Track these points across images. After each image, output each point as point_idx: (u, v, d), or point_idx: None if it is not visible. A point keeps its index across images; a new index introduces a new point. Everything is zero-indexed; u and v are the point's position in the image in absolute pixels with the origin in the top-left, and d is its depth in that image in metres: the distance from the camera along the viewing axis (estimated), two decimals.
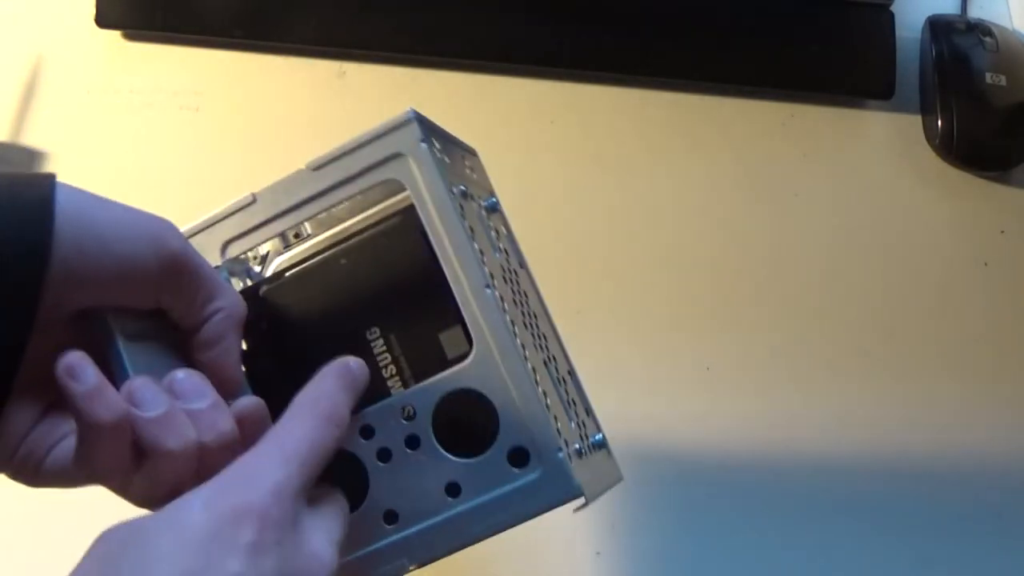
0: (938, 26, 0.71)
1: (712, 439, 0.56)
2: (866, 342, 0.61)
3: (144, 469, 0.33)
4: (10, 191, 0.30)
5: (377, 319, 0.40)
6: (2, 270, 0.29)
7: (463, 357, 0.39)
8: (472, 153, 0.46)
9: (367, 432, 0.39)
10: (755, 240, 0.64)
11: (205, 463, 0.33)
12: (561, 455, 0.37)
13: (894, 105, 0.69)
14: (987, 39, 0.70)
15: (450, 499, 0.38)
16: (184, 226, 0.41)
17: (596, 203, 0.65)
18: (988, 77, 0.68)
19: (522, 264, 0.46)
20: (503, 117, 0.66)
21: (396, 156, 0.39)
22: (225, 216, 0.42)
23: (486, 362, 0.38)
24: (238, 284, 0.43)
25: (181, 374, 0.35)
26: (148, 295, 0.35)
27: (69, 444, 0.34)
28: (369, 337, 0.40)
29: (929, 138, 0.68)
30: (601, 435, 0.44)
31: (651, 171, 0.66)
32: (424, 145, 0.39)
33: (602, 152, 0.66)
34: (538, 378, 0.39)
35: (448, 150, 0.42)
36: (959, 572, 0.54)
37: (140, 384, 0.33)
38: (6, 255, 0.29)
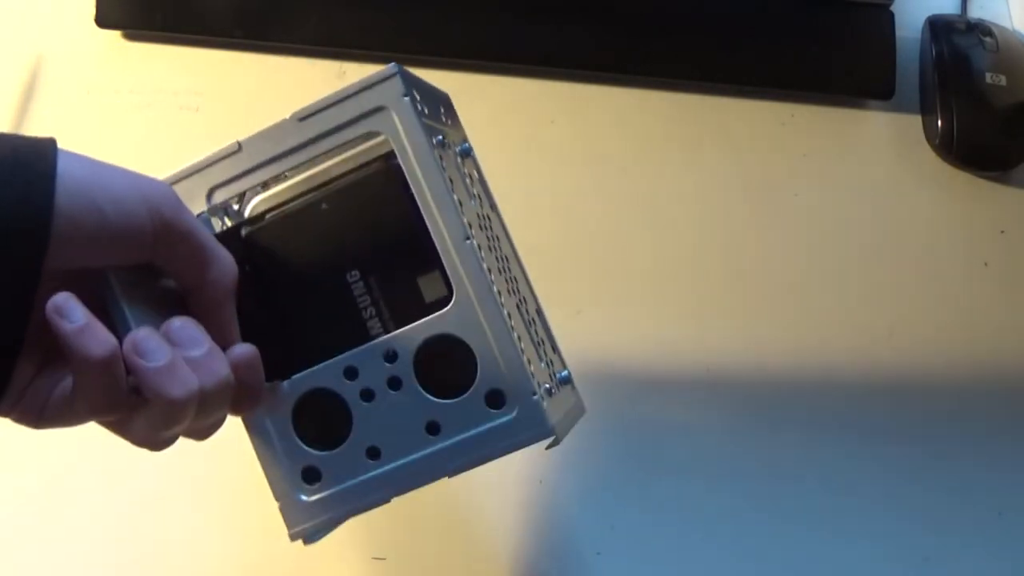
0: (938, 26, 0.71)
1: (712, 438, 0.56)
2: (866, 342, 0.61)
3: (146, 414, 0.34)
4: (14, 158, 0.31)
5: (357, 263, 0.42)
6: (4, 241, 0.30)
7: (441, 301, 0.40)
8: (447, 100, 0.47)
9: (351, 374, 0.41)
10: (755, 240, 0.64)
11: (203, 406, 0.35)
12: (535, 398, 0.40)
13: (894, 105, 0.69)
14: (987, 39, 0.70)
15: (430, 437, 0.41)
16: (170, 171, 0.42)
17: (596, 203, 0.65)
18: (988, 77, 0.68)
19: (493, 207, 0.47)
20: (503, 117, 0.66)
21: (379, 109, 0.40)
22: (211, 163, 0.43)
23: (465, 310, 0.40)
24: (217, 224, 0.44)
25: (178, 323, 0.36)
26: (143, 258, 0.35)
27: (67, 385, 0.35)
28: (349, 280, 0.42)
29: (929, 138, 0.68)
30: (567, 371, 0.46)
31: (651, 171, 0.66)
32: (407, 99, 0.40)
33: (602, 152, 0.66)
34: (512, 323, 0.41)
35: (427, 100, 0.43)
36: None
37: (143, 335, 0.34)
38: (9, 227, 0.30)
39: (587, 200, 0.65)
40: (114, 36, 0.69)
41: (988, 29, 0.70)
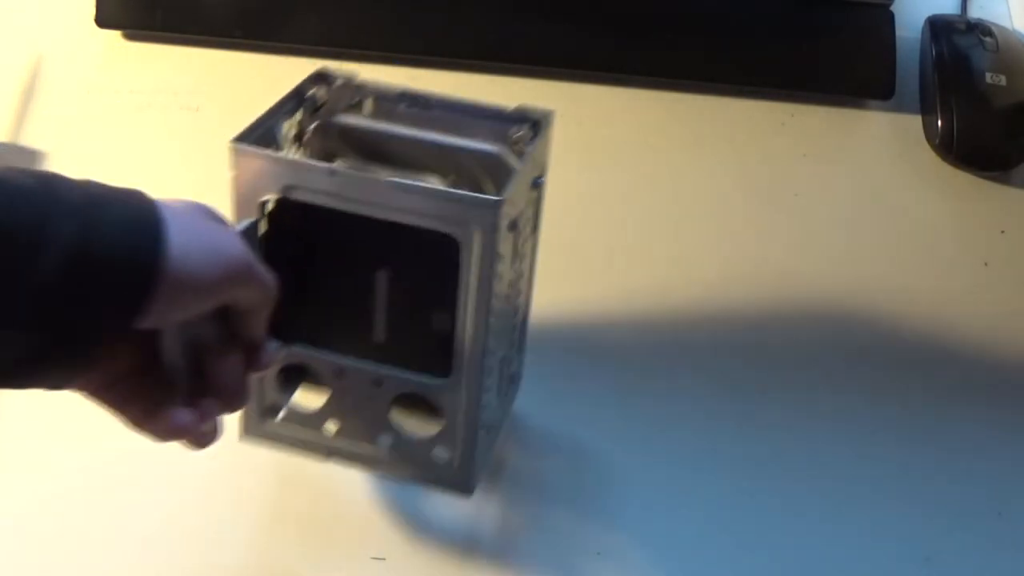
0: (938, 26, 0.71)
1: (711, 439, 0.56)
2: (866, 342, 0.61)
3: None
4: (132, 226, 0.34)
5: (393, 269, 0.44)
6: (120, 277, 0.33)
7: (442, 338, 0.44)
8: (546, 120, 0.47)
9: (339, 373, 0.46)
10: (755, 240, 0.64)
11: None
12: (470, 482, 0.48)
13: (894, 105, 0.69)
14: (987, 39, 0.70)
15: (377, 442, 0.47)
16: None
17: (596, 203, 0.65)
18: (988, 77, 0.68)
19: (536, 227, 0.49)
20: None
21: (461, 216, 0.41)
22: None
23: (454, 389, 0.45)
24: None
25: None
26: (215, 303, 0.38)
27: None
28: (374, 278, 0.44)
29: (929, 138, 0.68)
30: (517, 369, 0.52)
31: (651, 171, 0.66)
32: (495, 232, 0.41)
33: (602, 152, 0.66)
34: (482, 411, 0.46)
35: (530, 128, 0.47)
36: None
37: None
38: (123, 275, 0.33)
39: (586, 200, 0.65)
40: (114, 36, 0.69)
41: (988, 29, 0.71)
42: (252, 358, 0.41)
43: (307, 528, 0.51)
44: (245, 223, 0.43)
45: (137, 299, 0.33)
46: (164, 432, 0.39)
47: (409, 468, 0.48)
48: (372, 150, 0.48)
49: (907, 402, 0.59)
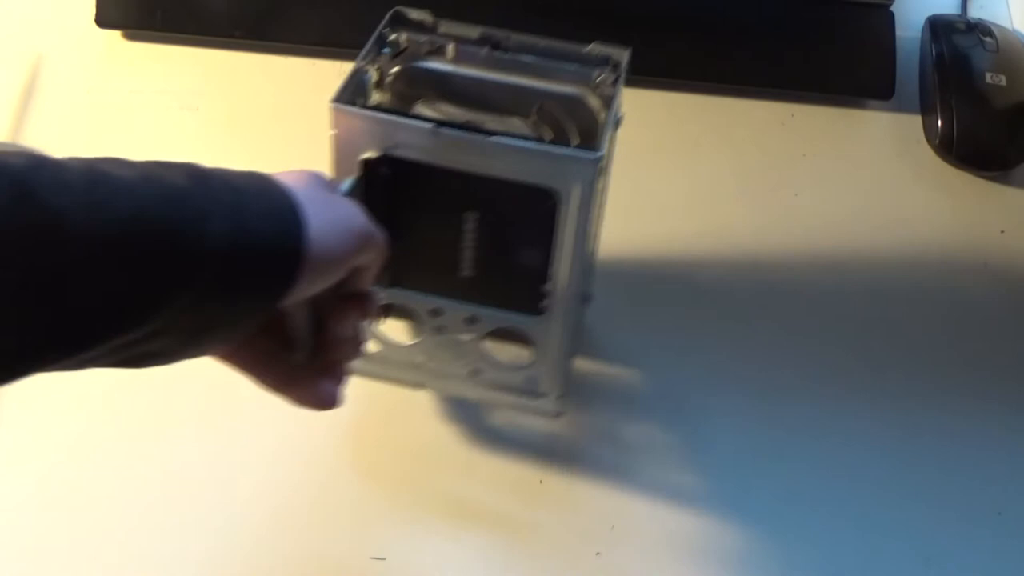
0: (938, 26, 0.71)
1: (710, 439, 0.56)
2: (865, 342, 0.61)
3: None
4: (273, 213, 0.36)
5: (480, 208, 0.45)
6: (267, 263, 0.36)
7: (533, 271, 0.46)
8: (624, 62, 0.49)
9: (436, 313, 0.49)
10: (754, 240, 0.64)
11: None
12: (556, 401, 0.51)
13: (894, 105, 0.69)
14: (987, 39, 0.70)
15: (472, 379, 0.51)
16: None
17: None
18: (988, 77, 0.68)
19: (607, 165, 0.49)
20: None
21: (562, 173, 0.43)
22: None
23: (547, 326, 0.48)
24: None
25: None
26: (346, 273, 0.40)
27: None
28: (463, 219, 0.45)
29: (929, 138, 0.68)
30: (589, 290, 0.53)
31: (651, 171, 0.66)
32: (591, 185, 0.43)
33: None
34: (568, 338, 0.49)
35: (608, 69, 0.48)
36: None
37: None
38: (269, 260, 0.36)
39: None
40: (114, 36, 0.69)
41: (988, 29, 0.71)
42: (364, 308, 0.43)
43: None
44: (349, 182, 0.44)
45: (285, 284, 0.36)
46: (311, 401, 0.42)
47: (499, 394, 0.52)
48: (453, 92, 0.48)
49: (906, 402, 0.59)
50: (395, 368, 0.52)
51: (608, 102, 0.47)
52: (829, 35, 0.69)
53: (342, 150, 0.45)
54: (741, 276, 0.62)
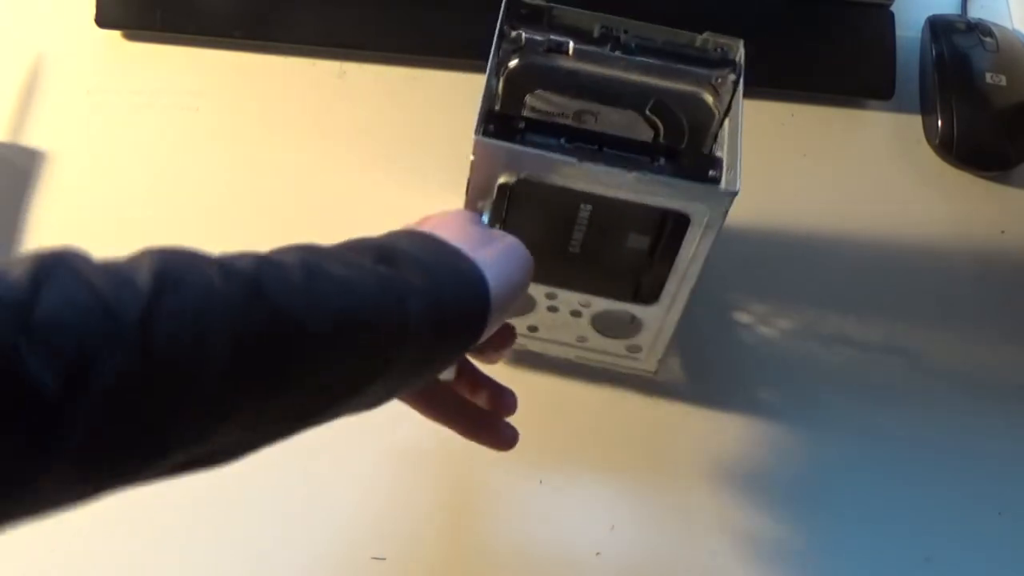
0: (938, 26, 0.71)
1: (708, 439, 0.56)
2: (864, 342, 0.61)
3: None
4: (463, 282, 0.40)
5: (598, 202, 0.46)
6: (466, 322, 0.40)
7: (639, 256, 0.48)
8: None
9: (551, 296, 0.52)
10: (754, 239, 0.64)
11: None
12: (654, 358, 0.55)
13: (894, 105, 0.69)
14: (987, 39, 0.70)
15: (580, 345, 0.56)
16: None
17: None
18: (988, 77, 0.68)
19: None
20: None
21: (698, 206, 0.45)
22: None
23: (657, 313, 0.51)
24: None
25: None
26: None
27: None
28: (581, 208, 0.47)
29: (929, 138, 0.68)
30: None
31: None
32: (722, 215, 0.45)
33: None
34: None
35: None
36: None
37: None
38: (467, 319, 0.40)
39: None
40: (114, 36, 0.69)
41: (988, 29, 0.70)
42: (509, 337, 0.47)
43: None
44: (488, 212, 0.47)
45: (473, 340, 0.40)
46: (501, 444, 0.46)
47: (604, 357, 0.55)
48: (569, 85, 0.49)
49: (905, 402, 0.59)
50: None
51: (725, 101, 0.49)
52: (829, 35, 0.69)
53: (479, 175, 0.46)
54: (741, 276, 0.62)
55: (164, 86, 0.67)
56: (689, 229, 0.46)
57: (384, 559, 0.50)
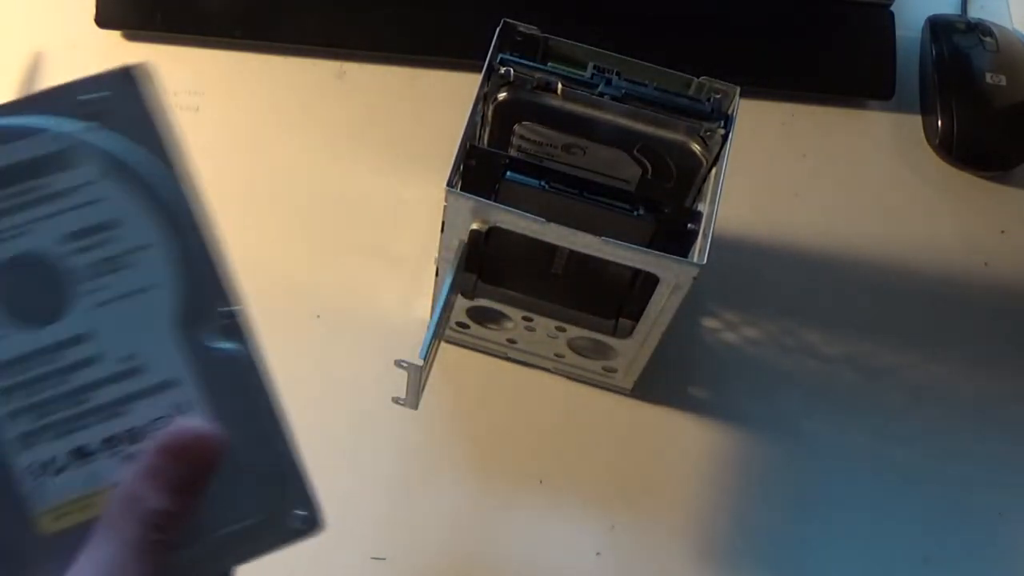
0: (938, 26, 0.71)
1: (707, 439, 0.56)
2: (864, 342, 0.61)
3: None
4: None
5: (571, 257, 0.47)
6: None
7: (619, 285, 0.49)
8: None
9: (528, 319, 0.53)
10: (754, 239, 0.64)
11: None
12: None
13: (894, 105, 0.69)
14: (987, 39, 0.70)
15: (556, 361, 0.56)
16: None
17: None
18: (988, 77, 0.68)
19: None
20: None
21: (667, 273, 0.45)
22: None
23: (632, 342, 0.51)
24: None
25: None
26: None
27: None
28: (558, 251, 0.47)
29: (929, 138, 0.68)
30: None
31: None
32: (689, 281, 0.45)
33: None
34: None
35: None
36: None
37: None
38: None
39: None
40: (114, 36, 0.69)
41: (988, 29, 0.70)
42: None
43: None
44: (458, 251, 0.47)
45: None
46: None
47: (583, 373, 0.56)
48: (556, 120, 0.49)
49: (905, 402, 0.59)
50: (483, 339, 0.56)
51: (713, 152, 0.49)
52: (829, 35, 0.69)
53: (451, 221, 0.47)
54: (741, 276, 0.62)
55: (164, 86, 0.67)
56: (658, 287, 0.46)
57: (384, 559, 0.50)
